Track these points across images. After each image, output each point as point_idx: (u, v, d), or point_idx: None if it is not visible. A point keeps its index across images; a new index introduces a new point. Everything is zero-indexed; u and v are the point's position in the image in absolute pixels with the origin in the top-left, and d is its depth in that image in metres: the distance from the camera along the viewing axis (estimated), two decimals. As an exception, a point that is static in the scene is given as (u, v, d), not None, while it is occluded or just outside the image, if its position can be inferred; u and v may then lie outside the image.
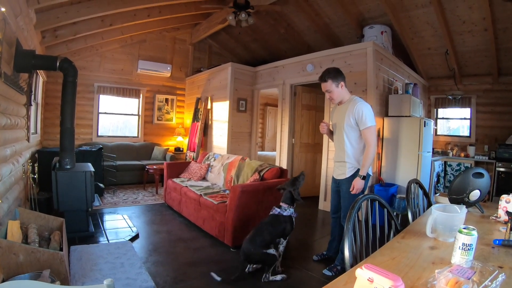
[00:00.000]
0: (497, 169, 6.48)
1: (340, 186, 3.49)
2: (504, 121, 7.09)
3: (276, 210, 3.38)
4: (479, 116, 7.61)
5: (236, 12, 6.02)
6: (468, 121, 7.86)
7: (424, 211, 2.75)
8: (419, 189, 2.82)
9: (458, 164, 7.30)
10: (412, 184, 2.65)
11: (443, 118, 8.51)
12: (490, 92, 7.35)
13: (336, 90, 3.34)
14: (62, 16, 5.56)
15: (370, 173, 3.43)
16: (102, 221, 4.91)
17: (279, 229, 3.27)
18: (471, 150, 7.40)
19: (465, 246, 1.40)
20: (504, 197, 2.13)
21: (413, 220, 2.39)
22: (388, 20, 6.39)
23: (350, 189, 3.24)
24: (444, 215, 1.73)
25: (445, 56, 6.97)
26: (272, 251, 3.18)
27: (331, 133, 3.68)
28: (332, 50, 6.19)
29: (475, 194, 2.30)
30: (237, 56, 10.43)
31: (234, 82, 7.59)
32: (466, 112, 7.91)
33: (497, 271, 1.19)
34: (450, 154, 7.59)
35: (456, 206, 1.86)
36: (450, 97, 7.79)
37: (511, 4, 4.00)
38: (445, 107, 8.19)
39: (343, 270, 2.71)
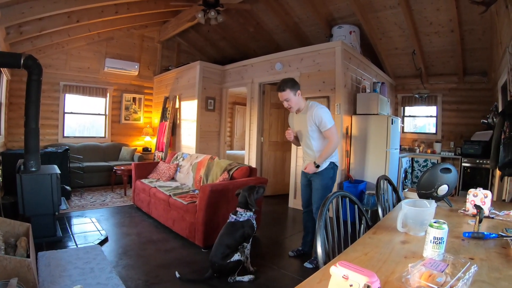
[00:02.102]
0: (463, 164, 6.68)
1: (312, 180, 3.59)
2: (469, 119, 7.34)
3: (232, 218, 3.33)
4: (445, 114, 7.86)
5: (205, 10, 5.96)
6: (434, 118, 8.10)
7: (393, 207, 2.78)
8: (388, 185, 2.85)
9: (425, 160, 7.49)
10: (382, 180, 2.68)
11: (410, 116, 8.73)
12: (456, 90, 7.60)
13: (294, 99, 3.45)
14: (27, 11, 5.37)
15: (337, 164, 3.60)
16: (70, 225, 4.72)
17: (238, 236, 3.22)
18: (437, 147, 7.61)
19: (436, 240, 1.41)
20: (471, 191, 2.18)
21: (383, 215, 2.41)
22: (356, 20, 6.49)
23: (303, 168, 3.47)
24: (414, 210, 1.74)
25: (412, 56, 7.14)
26: (237, 256, 3.15)
27: (296, 140, 3.76)
28: (301, 49, 6.21)
29: (443, 189, 2.33)
30: (206, 54, 10.33)
31: (203, 80, 7.52)
32: (432, 110, 8.15)
33: (469, 262, 1.19)
34: (417, 151, 7.79)
35: (425, 201, 1.88)
36: (417, 95, 7.99)
37: (477, 6, 4.11)
38: (411, 105, 8.41)
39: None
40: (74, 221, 4.97)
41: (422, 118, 8.61)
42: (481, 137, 6.63)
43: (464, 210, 2.23)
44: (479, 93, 7.18)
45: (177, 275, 3.16)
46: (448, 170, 2.36)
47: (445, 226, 1.43)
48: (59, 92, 8.12)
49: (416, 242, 1.63)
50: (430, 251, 1.43)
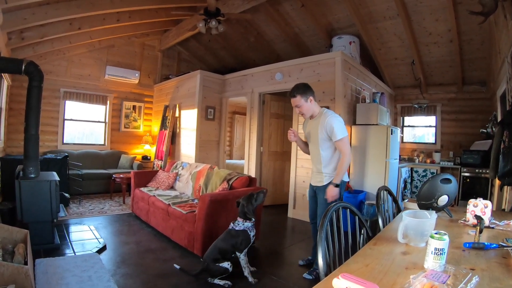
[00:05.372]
0: (462, 174, 6.67)
1: (317, 193, 3.52)
2: (468, 128, 7.37)
3: (230, 225, 3.42)
4: (444, 124, 7.88)
5: (206, 20, 5.98)
6: (433, 128, 8.12)
7: (393, 217, 2.77)
8: (388, 195, 2.85)
9: (424, 170, 7.49)
10: (382, 191, 2.68)
11: (409, 126, 8.76)
12: (455, 100, 7.63)
13: (305, 105, 3.35)
14: (30, 17, 5.39)
15: (347, 179, 3.51)
16: (68, 233, 4.70)
17: (229, 244, 3.29)
18: (436, 157, 7.62)
19: (437, 251, 1.41)
20: (471, 201, 2.17)
21: (383, 226, 2.41)
22: (356, 30, 6.54)
23: (325, 197, 3.28)
24: (415, 221, 1.73)
25: (411, 66, 7.19)
26: (226, 264, 3.23)
27: (302, 142, 3.71)
28: (301, 59, 6.24)
29: (443, 199, 2.33)
30: (206, 63, 10.37)
31: (203, 90, 7.54)
32: (431, 120, 8.18)
33: (470, 273, 1.19)
34: (416, 161, 7.79)
35: (426, 212, 1.87)
36: (416, 105, 8.03)
37: (476, 16, 4.14)
38: (411, 115, 8.43)
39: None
40: (72, 228, 4.94)
41: (421, 128, 8.63)
42: (480, 146, 6.65)
43: (465, 220, 2.23)
44: (478, 103, 7.21)
45: (177, 267, 3.50)
46: (448, 181, 2.35)
47: (446, 237, 1.42)
48: (60, 98, 8.16)
49: (417, 253, 1.63)
50: (431, 262, 1.42)
